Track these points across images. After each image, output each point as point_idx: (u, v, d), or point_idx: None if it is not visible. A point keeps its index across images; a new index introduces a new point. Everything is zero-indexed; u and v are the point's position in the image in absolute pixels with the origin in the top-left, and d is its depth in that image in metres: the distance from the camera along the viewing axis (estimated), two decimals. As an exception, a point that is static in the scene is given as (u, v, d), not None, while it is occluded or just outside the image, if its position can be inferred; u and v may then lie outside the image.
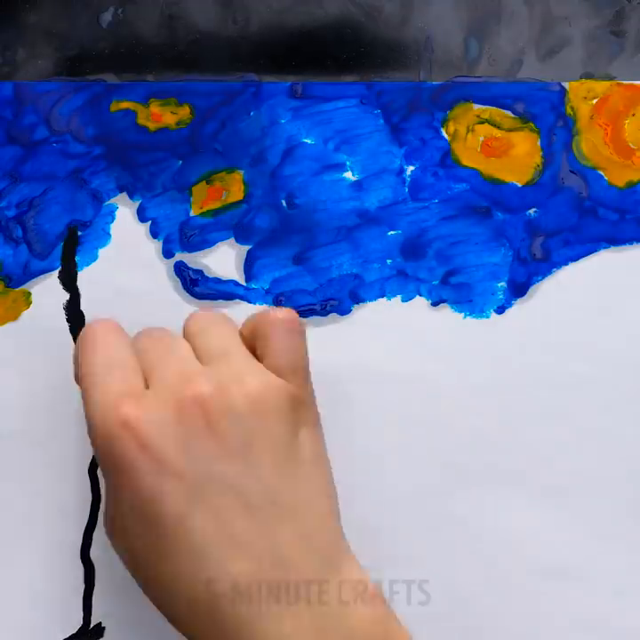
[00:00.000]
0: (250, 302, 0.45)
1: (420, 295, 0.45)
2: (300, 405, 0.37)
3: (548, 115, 0.46)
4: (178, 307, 0.45)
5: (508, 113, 0.46)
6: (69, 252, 0.45)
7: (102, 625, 0.44)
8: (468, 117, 0.46)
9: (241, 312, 0.45)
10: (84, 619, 0.44)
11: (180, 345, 0.38)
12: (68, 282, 0.45)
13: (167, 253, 0.45)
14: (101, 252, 0.45)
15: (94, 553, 0.44)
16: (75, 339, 0.45)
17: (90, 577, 0.44)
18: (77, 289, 0.45)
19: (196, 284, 0.45)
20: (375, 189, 0.45)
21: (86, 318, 0.45)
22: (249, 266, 0.45)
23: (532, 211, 0.45)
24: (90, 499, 0.44)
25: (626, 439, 0.45)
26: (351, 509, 0.44)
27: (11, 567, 0.44)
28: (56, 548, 0.44)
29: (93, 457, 0.44)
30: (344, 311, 0.45)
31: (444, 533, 0.44)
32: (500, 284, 0.45)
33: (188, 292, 0.45)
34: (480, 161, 0.46)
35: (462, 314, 0.45)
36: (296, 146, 0.45)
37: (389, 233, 0.45)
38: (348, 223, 0.45)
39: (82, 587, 0.44)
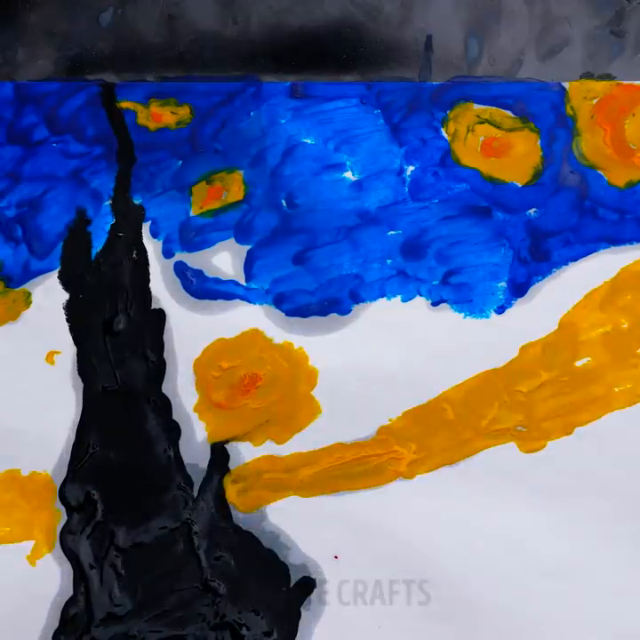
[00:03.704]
0: (250, 302, 0.45)
1: (420, 295, 0.45)
2: None
3: (547, 115, 0.46)
4: (177, 307, 0.45)
5: (508, 113, 0.46)
6: (70, 250, 0.45)
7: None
8: (468, 117, 0.46)
9: (241, 312, 0.45)
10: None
11: None
12: (68, 282, 0.45)
13: (167, 253, 0.45)
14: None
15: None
16: (75, 339, 0.45)
17: (80, 576, 0.44)
18: (77, 289, 0.45)
19: (195, 284, 0.45)
20: (375, 189, 0.45)
21: (86, 318, 0.45)
22: (249, 266, 0.45)
23: (532, 211, 0.45)
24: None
25: (626, 439, 0.45)
26: (352, 509, 0.44)
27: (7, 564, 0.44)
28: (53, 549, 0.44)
29: (90, 457, 0.44)
30: (344, 311, 0.45)
31: (445, 534, 0.44)
32: (500, 284, 0.45)
33: (187, 292, 0.45)
34: (480, 161, 0.46)
35: (462, 314, 0.45)
36: (296, 146, 0.45)
37: (389, 233, 0.45)
38: (348, 223, 0.45)
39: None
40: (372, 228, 0.45)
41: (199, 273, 0.45)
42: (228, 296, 0.45)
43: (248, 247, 0.45)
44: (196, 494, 0.44)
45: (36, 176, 0.45)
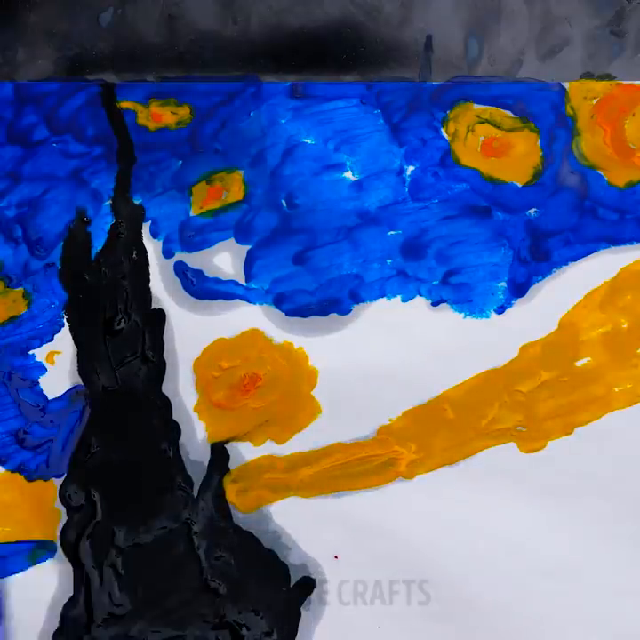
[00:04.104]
0: (250, 302, 0.45)
1: (420, 295, 0.45)
2: None
3: (547, 115, 0.46)
4: (177, 307, 0.45)
5: (508, 113, 0.46)
6: (70, 250, 0.45)
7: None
8: (468, 117, 0.46)
9: (241, 312, 0.45)
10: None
11: None
12: (68, 282, 0.45)
13: (167, 253, 0.45)
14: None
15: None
16: (75, 339, 0.45)
17: (80, 576, 0.44)
18: (77, 289, 0.45)
19: (195, 284, 0.45)
20: (375, 189, 0.45)
21: (86, 318, 0.45)
22: (249, 266, 0.45)
23: (532, 211, 0.45)
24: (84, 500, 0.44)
25: (626, 439, 0.45)
26: (352, 509, 0.44)
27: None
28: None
29: (90, 457, 0.44)
30: (344, 311, 0.45)
31: (445, 534, 0.44)
32: (500, 284, 0.45)
33: (187, 292, 0.45)
34: (480, 161, 0.46)
35: (462, 314, 0.45)
36: (296, 146, 0.45)
37: (389, 233, 0.45)
38: (348, 223, 0.45)
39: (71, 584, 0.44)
40: (372, 228, 0.45)
41: (199, 273, 0.45)
42: (228, 296, 0.45)
43: (248, 247, 0.45)
44: (196, 494, 0.44)
45: (36, 176, 0.45)
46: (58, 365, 0.44)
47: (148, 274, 0.45)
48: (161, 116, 0.45)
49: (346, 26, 0.46)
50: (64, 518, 0.44)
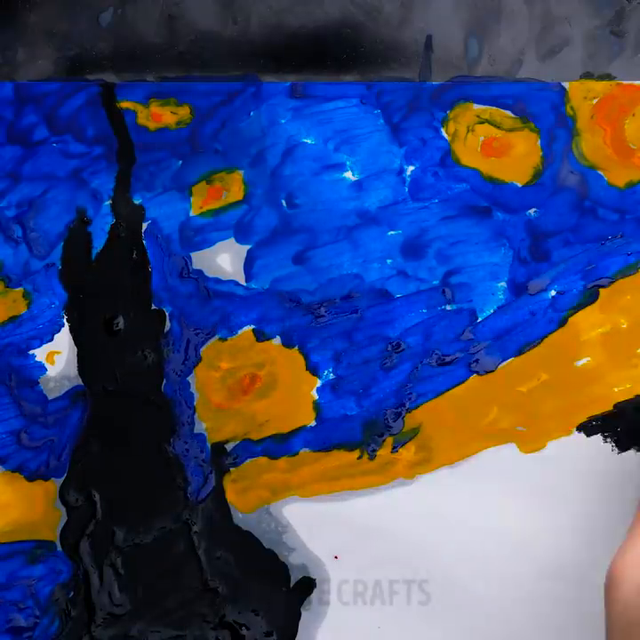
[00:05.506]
0: (250, 302, 0.45)
1: (420, 295, 0.45)
2: None
3: (547, 115, 0.46)
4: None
5: (508, 113, 0.46)
6: (70, 250, 0.45)
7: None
8: (468, 117, 0.46)
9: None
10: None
11: None
12: (68, 282, 0.45)
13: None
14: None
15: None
16: (75, 338, 0.45)
17: (78, 574, 0.44)
18: (77, 289, 0.45)
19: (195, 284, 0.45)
20: (375, 189, 0.45)
21: (86, 318, 0.45)
22: (249, 266, 0.45)
23: (532, 211, 0.45)
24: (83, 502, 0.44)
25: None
26: (352, 510, 0.44)
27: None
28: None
29: (91, 457, 0.44)
30: (344, 311, 0.45)
31: (445, 534, 0.44)
32: (500, 284, 0.45)
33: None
34: (480, 161, 0.46)
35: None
36: (296, 146, 0.45)
37: (389, 233, 0.45)
38: (348, 223, 0.45)
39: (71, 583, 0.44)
40: (372, 228, 0.45)
41: (199, 273, 0.45)
42: (228, 296, 0.45)
43: (248, 247, 0.45)
44: (196, 494, 0.44)
45: (36, 176, 0.45)
46: (58, 365, 0.44)
47: (149, 274, 0.45)
48: (161, 116, 0.45)
49: (346, 26, 0.46)
50: (64, 518, 0.44)
